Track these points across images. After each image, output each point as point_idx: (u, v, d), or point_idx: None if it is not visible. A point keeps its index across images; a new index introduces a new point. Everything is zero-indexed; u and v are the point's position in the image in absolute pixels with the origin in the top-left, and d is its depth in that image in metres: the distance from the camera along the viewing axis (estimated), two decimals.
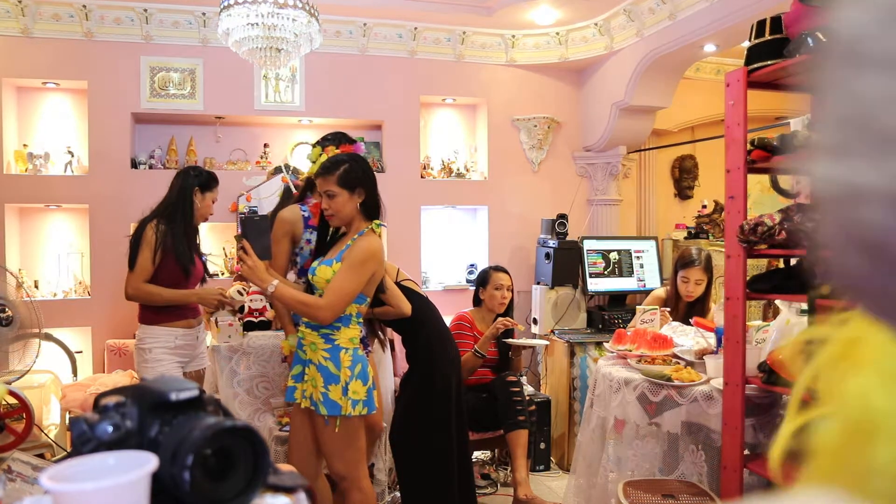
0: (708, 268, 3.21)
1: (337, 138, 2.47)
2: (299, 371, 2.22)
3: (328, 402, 2.11)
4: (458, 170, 4.97)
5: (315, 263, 2.23)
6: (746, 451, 2.22)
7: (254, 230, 2.16)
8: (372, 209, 2.23)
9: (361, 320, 2.27)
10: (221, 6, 3.11)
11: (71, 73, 4.22)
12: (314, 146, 2.45)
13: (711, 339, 2.61)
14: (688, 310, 3.20)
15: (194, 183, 2.88)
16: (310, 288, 2.27)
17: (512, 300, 3.74)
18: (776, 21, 2.10)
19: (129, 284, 2.73)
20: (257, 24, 3.05)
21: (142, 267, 2.73)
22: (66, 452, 3.21)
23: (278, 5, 3.05)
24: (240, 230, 2.20)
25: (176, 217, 2.83)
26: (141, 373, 2.84)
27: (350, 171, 2.16)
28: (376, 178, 2.26)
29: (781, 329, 2.47)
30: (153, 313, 2.81)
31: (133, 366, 3.93)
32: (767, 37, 2.11)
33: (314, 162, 2.38)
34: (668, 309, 3.09)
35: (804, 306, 2.28)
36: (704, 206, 5.39)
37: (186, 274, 2.85)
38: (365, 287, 2.16)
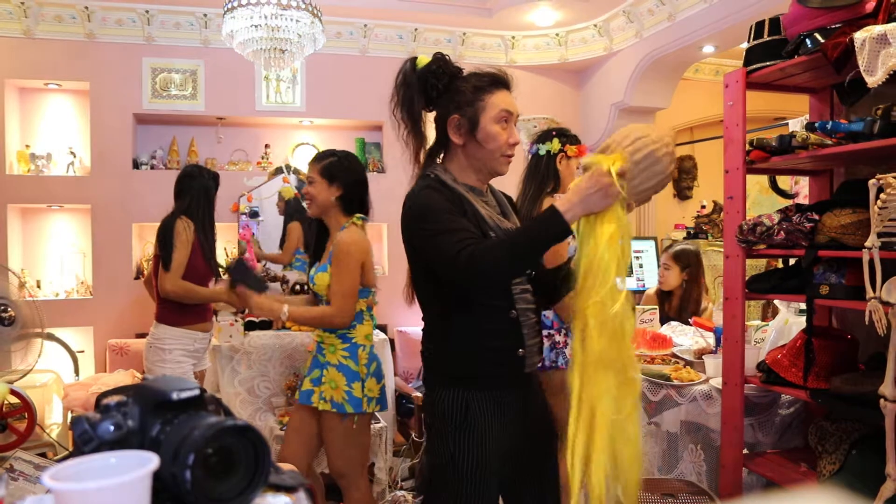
0: (680, 257, 3.23)
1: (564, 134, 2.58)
2: (318, 375, 2.21)
3: (353, 400, 2.15)
4: None
5: (313, 271, 2.25)
6: (745, 451, 2.22)
7: (241, 273, 2.20)
8: (351, 205, 2.25)
9: (374, 313, 2.30)
10: (225, 8, 3.12)
11: (73, 74, 4.24)
12: (549, 140, 2.54)
13: (710, 339, 2.62)
14: (679, 309, 3.23)
15: (211, 185, 2.94)
16: (316, 297, 2.30)
17: None
18: (775, 22, 2.10)
19: (168, 281, 2.73)
20: (261, 25, 3.07)
21: (179, 263, 2.75)
22: (67, 452, 3.22)
23: (281, 7, 3.06)
24: (231, 278, 2.23)
25: (204, 216, 2.88)
26: (154, 372, 2.85)
27: (334, 164, 2.22)
28: (366, 179, 2.29)
29: (780, 329, 2.48)
30: (178, 314, 2.82)
31: (135, 365, 3.95)
32: (766, 38, 2.12)
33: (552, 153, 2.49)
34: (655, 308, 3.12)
35: (802, 306, 2.29)
36: (703, 207, 5.40)
37: (213, 272, 2.92)
38: (363, 279, 2.19)
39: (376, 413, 3.34)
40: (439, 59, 1.53)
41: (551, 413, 1.64)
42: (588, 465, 1.31)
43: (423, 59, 1.53)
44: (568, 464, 1.33)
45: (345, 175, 2.22)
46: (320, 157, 2.25)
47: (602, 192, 1.31)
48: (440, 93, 1.53)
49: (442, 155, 1.60)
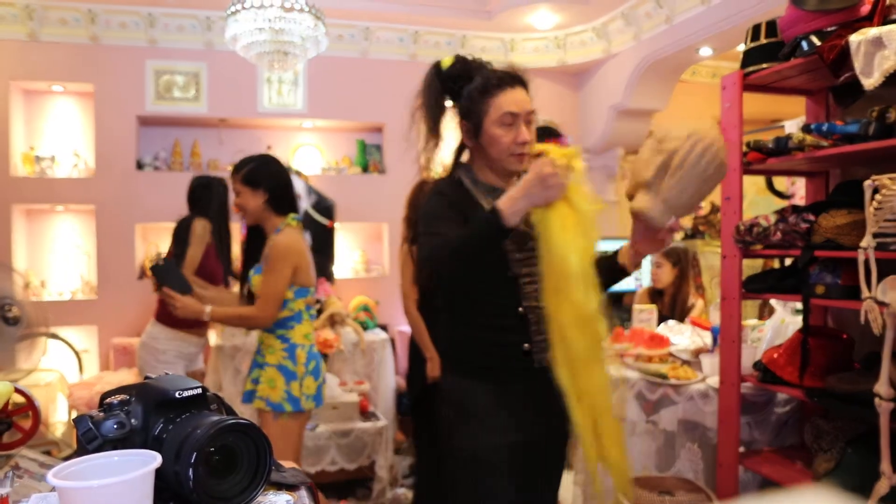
0: (670, 254, 3.27)
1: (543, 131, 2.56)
2: (257, 375, 2.23)
3: (291, 399, 2.16)
4: None
5: (251, 273, 2.26)
6: (742, 449, 2.24)
7: (165, 274, 2.22)
8: (281, 206, 2.25)
9: (314, 312, 2.30)
10: (228, 12, 3.14)
11: (77, 77, 4.26)
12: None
13: (707, 338, 2.64)
14: (671, 307, 3.25)
15: (224, 194, 3.02)
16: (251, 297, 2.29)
17: None
18: (771, 25, 2.12)
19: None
20: (264, 28, 3.09)
21: (192, 259, 2.81)
22: (71, 450, 3.25)
23: (284, 9, 3.08)
24: (155, 279, 2.24)
25: (220, 222, 2.98)
26: (146, 370, 2.88)
27: (253, 170, 2.23)
28: (289, 177, 2.31)
29: (776, 328, 2.49)
30: (176, 316, 2.85)
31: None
32: (763, 40, 2.13)
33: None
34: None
35: (799, 306, 2.30)
36: (701, 208, 5.40)
37: (226, 274, 3.00)
38: (295, 279, 2.18)
39: (376, 412, 3.37)
40: (458, 63, 1.55)
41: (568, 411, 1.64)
42: (605, 457, 1.38)
43: (447, 62, 1.54)
44: (586, 458, 1.37)
45: (267, 178, 2.22)
46: (239, 167, 2.25)
47: (542, 183, 1.30)
48: (457, 96, 1.55)
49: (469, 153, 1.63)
